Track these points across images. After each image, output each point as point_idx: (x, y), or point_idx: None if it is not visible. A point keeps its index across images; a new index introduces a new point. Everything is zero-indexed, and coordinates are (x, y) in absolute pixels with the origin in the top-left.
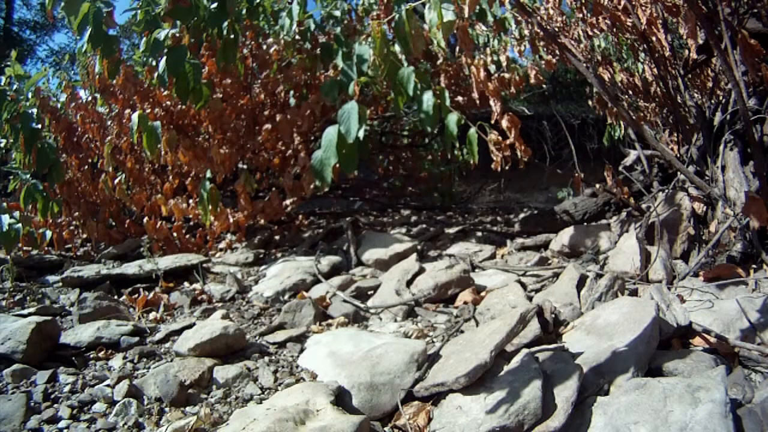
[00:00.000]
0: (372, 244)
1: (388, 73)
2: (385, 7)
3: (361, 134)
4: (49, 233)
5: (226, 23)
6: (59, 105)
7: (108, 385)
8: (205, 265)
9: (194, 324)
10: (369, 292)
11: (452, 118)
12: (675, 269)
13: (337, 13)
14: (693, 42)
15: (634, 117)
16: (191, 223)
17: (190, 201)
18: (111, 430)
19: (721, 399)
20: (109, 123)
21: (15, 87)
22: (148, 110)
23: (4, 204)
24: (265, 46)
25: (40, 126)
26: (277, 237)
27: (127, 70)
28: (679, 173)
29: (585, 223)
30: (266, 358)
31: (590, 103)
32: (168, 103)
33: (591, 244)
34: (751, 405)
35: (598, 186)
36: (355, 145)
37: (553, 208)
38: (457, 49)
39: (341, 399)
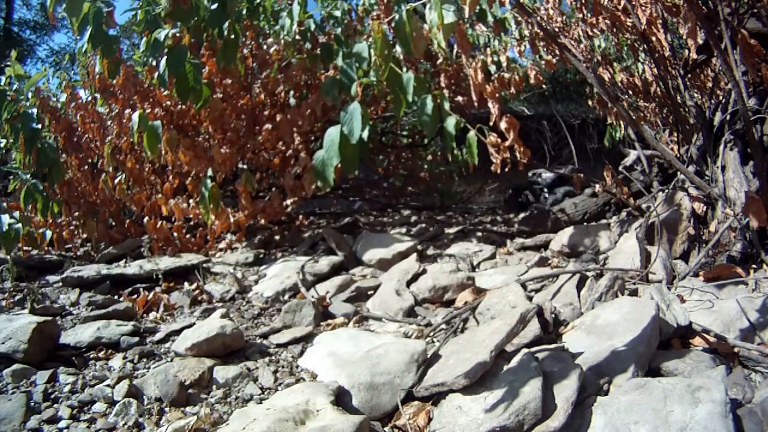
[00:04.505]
0: (372, 245)
1: (389, 79)
2: (386, 7)
3: (365, 135)
4: (49, 233)
5: (226, 23)
6: (59, 105)
7: (108, 385)
8: (205, 265)
9: (194, 324)
10: (369, 293)
11: (450, 122)
12: (675, 269)
13: (338, 14)
14: (693, 42)
15: (634, 117)
16: (191, 223)
17: (191, 201)
18: (111, 430)
19: (721, 399)
20: (109, 123)
21: (15, 87)
22: (148, 110)
23: (4, 204)
24: (265, 46)
25: (40, 126)
26: (277, 237)
27: (127, 70)
28: (679, 173)
29: (585, 223)
30: (266, 358)
31: (590, 103)
32: (168, 103)
33: (591, 244)
34: (751, 405)
35: (597, 186)
36: (357, 146)
37: (553, 209)
38: (455, 50)
39: (341, 399)
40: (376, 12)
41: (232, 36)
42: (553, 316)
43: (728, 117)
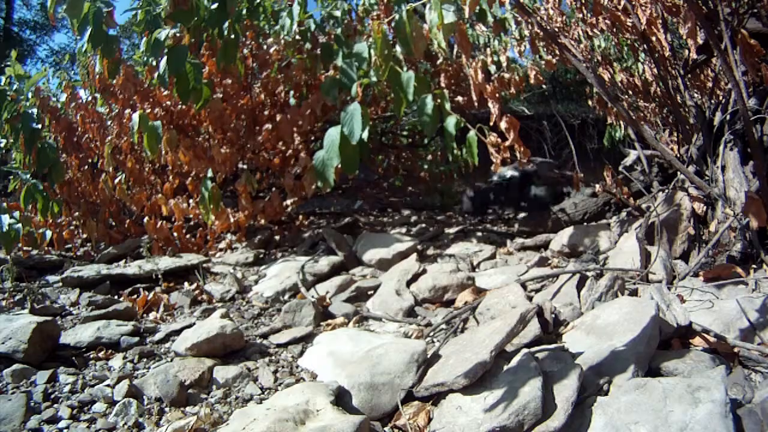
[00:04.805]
0: (372, 245)
1: (389, 78)
2: (386, 7)
3: (365, 136)
4: (49, 233)
5: (226, 23)
6: (59, 105)
7: (108, 385)
8: (205, 265)
9: (194, 324)
10: (369, 292)
11: (451, 121)
12: (675, 269)
13: (338, 14)
14: (693, 42)
15: (634, 117)
16: (191, 223)
17: (191, 201)
18: (111, 430)
19: (721, 399)
20: (109, 123)
21: (15, 87)
22: (148, 110)
23: (4, 204)
24: (265, 46)
25: (40, 126)
26: (277, 237)
27: (127, 70)
28: (679, 173)
29: (585, 223)
30: (266, 358)
31: (590, 103)
32: (168, 103)
33: (591, 244)
34: (751, 405)
35: (597, 186)
36: (357, 146)
37: (553, 209)
38: (455, 50)
39: (341, 399)
40: (376, 12)
41: (232, 36)
42: (553, 316)
43: (728, 117)
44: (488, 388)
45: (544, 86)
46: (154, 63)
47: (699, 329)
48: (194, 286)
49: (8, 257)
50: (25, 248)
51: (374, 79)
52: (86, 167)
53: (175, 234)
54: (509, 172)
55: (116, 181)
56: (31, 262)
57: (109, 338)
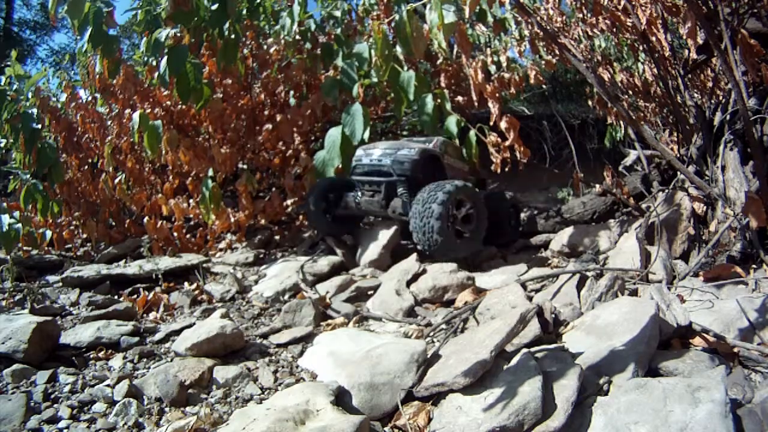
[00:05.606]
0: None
1: (390, 78)
2: (386, 7)
3: (366, 136)
4: (49, 233)
5: (226, 24)
6: (59, 105)
7: (108, 385)
8: (205, 265)
9: (194, 324)
10: (369, 292)
11: (451, 121)
12: (675, 269)
13: (338, 14)
14: (693, 42)
15: (634, 117)
16: (191, 223)
17: (191, 201)
18: (111, 430)
19: (721, 399)
20: (109, 123)
21: (15, 87)
22: (148, 110)
23: (4, 204)
24: (265, 47)
25: (40, 126)
26: (277, 237)
27: (127, 70)
28: (679, 173)
29: (594, 223)
30: (266, 358)
31: (590, 103)
32: (168, 103)
33: (591, 244)
34: (751, 405)
35: (597, 187)
36: (358, 147)
37: (553, 208)
38: (455, 50)
39: (341, 399)
40: (376, 12)
41: (232, 36)
42: (553, 316)
43: (728, 117)
44: (488, 387)
45: (544, 86)
46: (154, 63)
47: (699, 329)
48: (194, 286)
49: (8, 257)
50: (25, 248)
51: (375, 79)
52: (86, 167)
53: (175, 234)
54: (378, 152)
55: (116, 181)
56: (31, 262)
57: (109, 338)
